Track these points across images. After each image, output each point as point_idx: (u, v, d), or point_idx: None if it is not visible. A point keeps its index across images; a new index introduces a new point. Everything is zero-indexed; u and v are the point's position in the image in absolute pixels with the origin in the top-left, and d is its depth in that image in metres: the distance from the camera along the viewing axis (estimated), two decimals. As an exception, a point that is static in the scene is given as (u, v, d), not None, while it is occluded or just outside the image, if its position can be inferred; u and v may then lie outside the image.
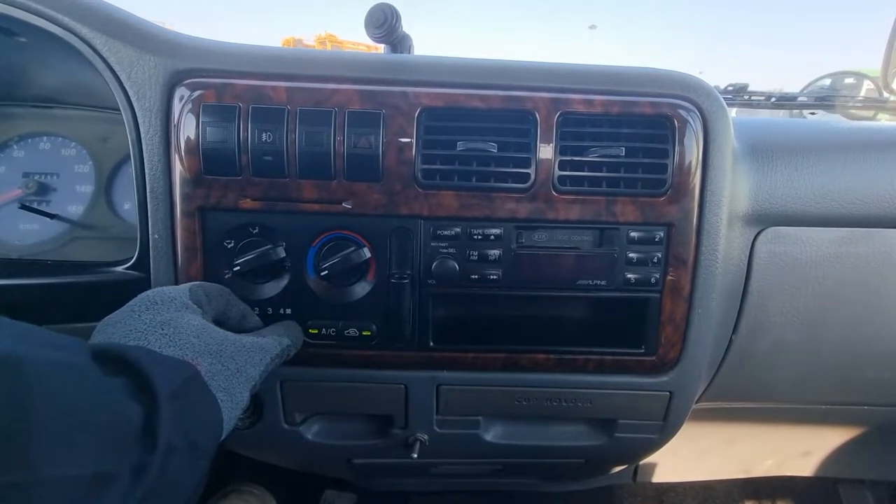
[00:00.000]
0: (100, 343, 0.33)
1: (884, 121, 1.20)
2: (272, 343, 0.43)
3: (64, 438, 0.24)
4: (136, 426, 0.28)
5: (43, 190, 0.65)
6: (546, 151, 0.50)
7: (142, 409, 0.28)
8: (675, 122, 0.51)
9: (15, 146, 0.66)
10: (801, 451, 1.02)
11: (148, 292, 0.39)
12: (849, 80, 1.38)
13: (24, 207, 0.62)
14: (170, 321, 0.36)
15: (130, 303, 0.38)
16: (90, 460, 0.25)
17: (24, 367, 0.23)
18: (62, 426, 0.24)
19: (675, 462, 1.06)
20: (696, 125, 0.51)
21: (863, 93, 1.33)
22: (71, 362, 0.27)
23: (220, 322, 0.43)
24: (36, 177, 0.65)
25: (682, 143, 0.51)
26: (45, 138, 0.66)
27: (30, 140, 0.66)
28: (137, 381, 0.29)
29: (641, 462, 1.05)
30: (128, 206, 0.65)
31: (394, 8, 0.59)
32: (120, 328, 0.35)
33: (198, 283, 0.43)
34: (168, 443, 0.28)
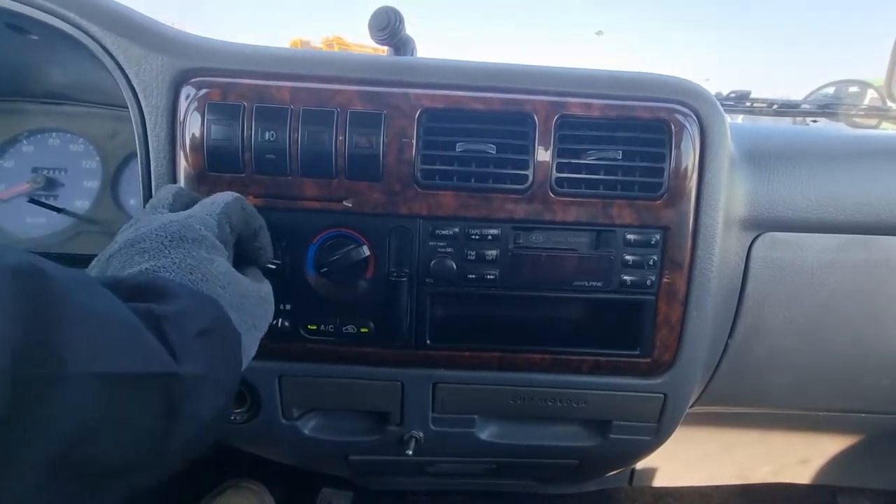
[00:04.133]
0: (131, 274, 0.32)
1: (888, 130, 1.20)
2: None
3: (92, 341, 0.24)
4: (161, 349, 0.28)
5: (50, 185, 0.66)
6: (544, 154, 0.51)
7: (165, 338, 0.28)
8: (672, 127, 0.51)
9: (24, 141, 0.67)
10: (798, 458, 1.02)
11: (176, 222, 0.36)
12: (853, 89, 1.38)
13: (31, 201, 0.64)
14: (198, 266, 0.35)
15: (156, 228, 0.36)
16: (118, 361, 0.25)
17: (48, 276, 0.23)
18: (89, 330, 0.24)
19: (671, 467, 1.06)
20: (692, 130, 0.52)
21: (866, 101, 1.33)
22: (88, 280, 0.27)
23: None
24: (44, 172, 0.66)
25: (678, 148, 0.51)
26: (53, 134, 0.68)
27: (39, 135, 0.68)
28: (162, 308, 0.29)
29: (638, 467, 1.05)
30: (133, 201, 0.66)
31: (397, 11, 0.60)
32: (147, 259, 0.34)
33: (224, 210, 0.40)
34: (193, 373, 0.29)
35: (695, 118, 0.52)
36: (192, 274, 0.34)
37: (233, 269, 0.38)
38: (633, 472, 1.07)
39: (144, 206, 0.52)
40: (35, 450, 0.21)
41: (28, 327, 0.21)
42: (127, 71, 0.50)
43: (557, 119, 0.51)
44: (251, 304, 0.38)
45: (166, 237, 0.35)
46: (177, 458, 0.29)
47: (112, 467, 0.25)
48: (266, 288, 0.42)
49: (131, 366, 0.25)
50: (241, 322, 0.36)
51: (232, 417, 0.61)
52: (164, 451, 0.28)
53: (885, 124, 1.23)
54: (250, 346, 0.37)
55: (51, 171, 0.67)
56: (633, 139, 0.51)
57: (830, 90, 1.38)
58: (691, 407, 0.67)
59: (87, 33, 0.50)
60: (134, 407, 0.26)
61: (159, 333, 0.28)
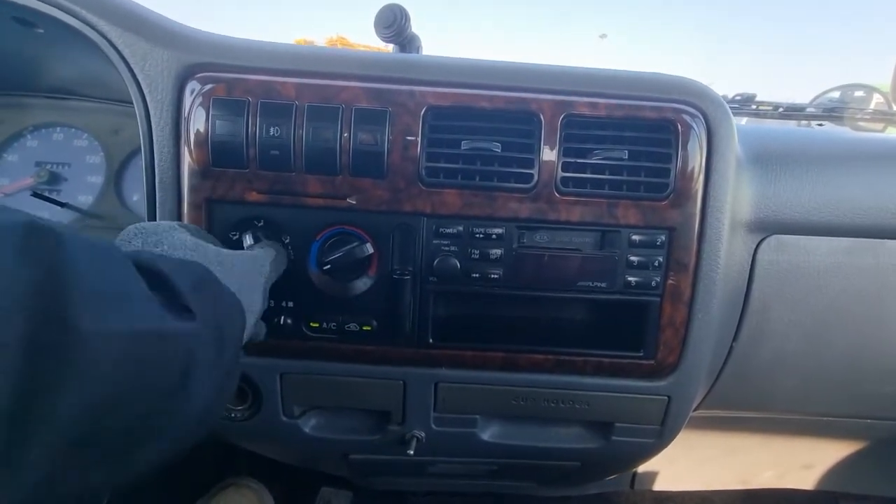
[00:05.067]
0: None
1: (894, 134, 1.19)
2: (262, 253, 0.44)
3: (102, 299, 0.23)
4: (168, 309, 0.28)
5: (54, 179, 0.66)
6: (549, 153, 0.50)
7: (166, 299, 0.28)
8: (679, 127, 0.51)
9: (29, 136, 0.67)
10: (801, 463, 1.01)
11: (129, 227, 0.37)
12: (858, 93, 1.37)
13: (35, 195, 0.64)
14: (161, 240, 0.35)
15: (115, 240, 0.36)
16: (130, 319, 0.24)
17: (59, 236, 0.23)
18: (100, 288, 0.23)
19: (673, 470, 1.05)
20: (699, 131, 0.51)
21: (872, 106, 1.32)
22: (103, 244, 0.27)
23: None
24: (48, 166, 0.66)
25: (685, 148, 0.51)
26: (58, 129, 0.68)
27: (43, 130, 0.68)
28: (155, 279, 0.29)
29: (639, 470, 1.05)
30: (136, 197, 0.66)
31: (403, 9, 0.59)
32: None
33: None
34: (203, 329, 0.29)
35: (702, 119, 0.52)
36: (157, 247, 0.35)
37: (199, 240, 0.38)
38: (634, 475, 1.06)
39: (148, 204, 0.52)
40: (57, 420, 0.20)
41: (42, 289, 0.20)
42: (132, 66, 0.50)
43: (563, 118, 0.50)
44: (230, 259, 0.38)
45: (124, 235, 0.36)
46: (193, 423, 0.29)
47: (135, 432, 0.25)
48: (250, 252, 0.42)
49: (148, 322, 0.25)
50: (225, 273, 0.36)
51: (233, 415, 0.61)
52: (182, 412, 0.28)
53: (890, 129, 1.22)
54: (247, 292, 0.37)
55: (54, 166, 0.67)
56: (639, 139, 0.51)
57: (836, 94, 1.38)
58: (695, 410, 0.67)
59: (93, 27, 0.50)
60: (152, 365, 0.26)
61: (166, 290, 0.28)
